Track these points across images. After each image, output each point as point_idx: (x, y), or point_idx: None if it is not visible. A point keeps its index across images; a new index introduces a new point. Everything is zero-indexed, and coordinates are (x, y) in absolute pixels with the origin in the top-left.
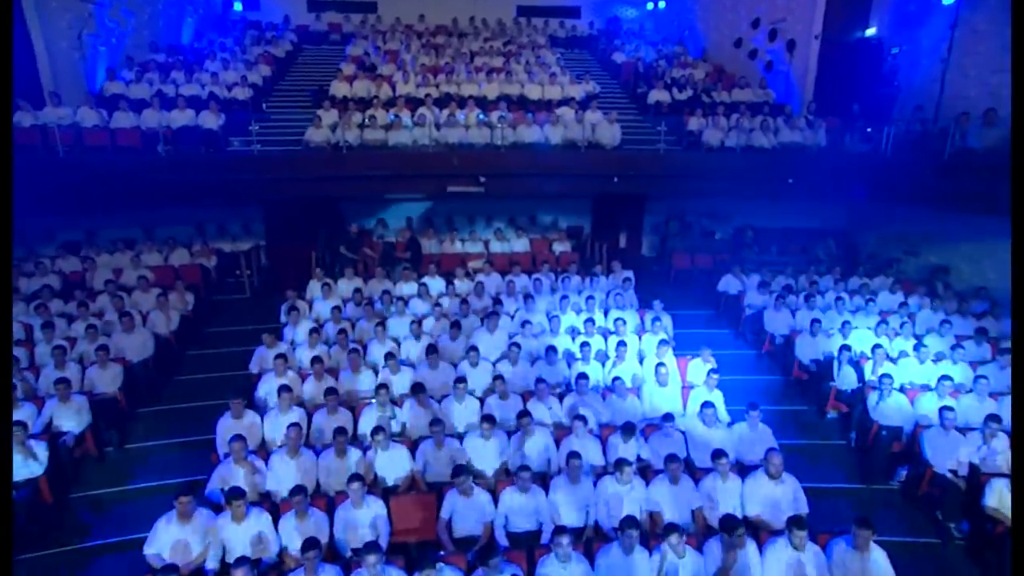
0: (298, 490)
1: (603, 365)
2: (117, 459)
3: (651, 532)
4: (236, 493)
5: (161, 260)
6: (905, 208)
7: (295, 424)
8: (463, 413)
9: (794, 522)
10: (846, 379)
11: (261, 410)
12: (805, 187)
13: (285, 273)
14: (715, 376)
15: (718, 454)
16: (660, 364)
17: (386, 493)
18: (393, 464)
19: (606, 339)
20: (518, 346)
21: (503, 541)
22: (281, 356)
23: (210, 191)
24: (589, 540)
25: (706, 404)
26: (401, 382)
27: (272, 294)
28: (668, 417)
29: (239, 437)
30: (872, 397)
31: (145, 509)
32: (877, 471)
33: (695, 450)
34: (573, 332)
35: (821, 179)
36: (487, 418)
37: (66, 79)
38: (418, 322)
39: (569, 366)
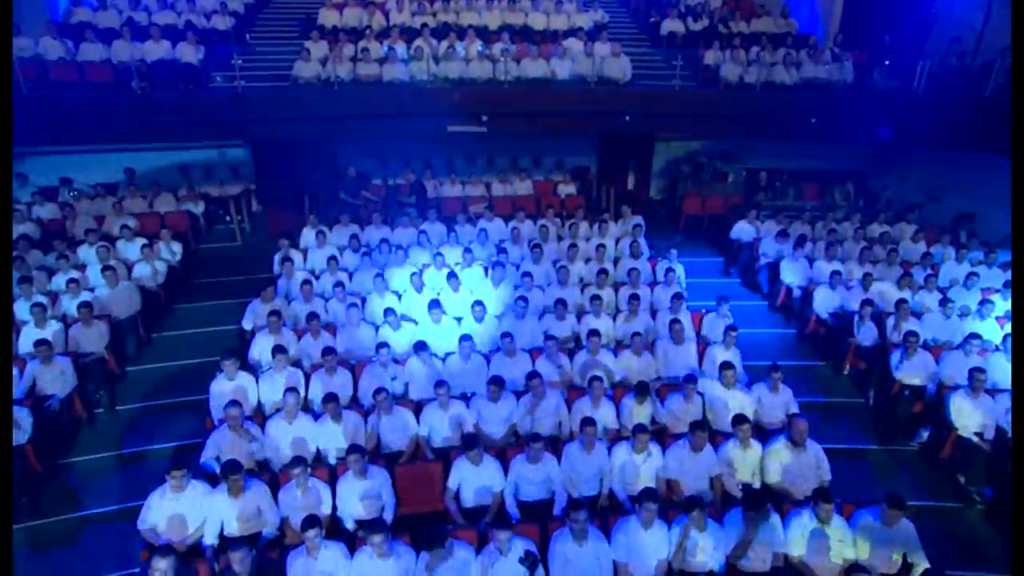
0: (297, 461)
1: (613, 320)
2: (107, 423)
3: (667, 500)
4: (232, 468)
5: (145, 206)
6: (928, 149)
7: (292, 390)
8: (469, 372)
9: (820, 495)
10: (866, 335)
11: (256, 371)
12: (829, 127)
13: (278, 218)
14: (733, 334)
15: (740, 419)
16: (675, 321)
17: (390, 459)
18: (396, 428)
19: (616, 292)
20: (525, 300)
21: (514, 512)
22: (275, 313)
23: (192, 132)
24: (604, 510)
25: (725, 364)
26: (403, 339)
27: (265, 241)
28: (691, 379)
29: (234, 403)
30: (895, 355)
31: (139, 475)
32: (896, 431)
33: (712, 412)
34: (582, 284)
35: (846, 119)
36: (495, 380)
37: (24, 5)
38: (419, 273)
39: (578, 320)
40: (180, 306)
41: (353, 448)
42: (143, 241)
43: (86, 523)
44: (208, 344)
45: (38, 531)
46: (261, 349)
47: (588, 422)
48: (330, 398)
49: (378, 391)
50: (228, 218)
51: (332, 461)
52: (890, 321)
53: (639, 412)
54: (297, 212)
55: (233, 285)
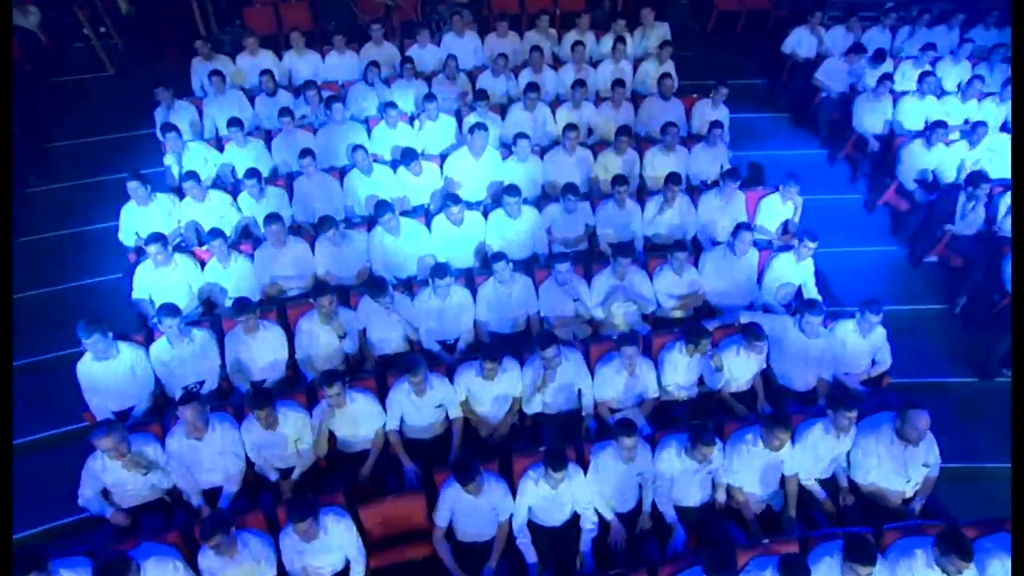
0: (215, 527)
1: (641, 208)
2: None
3: (725, 509)
4: (114, 569)
5: None
6: None
7: (188, 400)
8: (442, 313)
9: (953, 543)
10: (973, 220)
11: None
12: None
13: (159, 25)
14: (811, 246)
15: (846, 403)
16: (744, 227)
17: (350, 461)
18: (355, 422)
19: (640, 154)
20: (517, 191)
21: (529, 556)
22: (157, 237)
23: None
24: (645, 533)
25: (811, 304)
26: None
27: (152, 62)
28: (755, 333)
29: (105, 429)
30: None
31: None
32: (993, 359)
33: (782, 361)
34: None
35: None
36: (490, 355)
37: None
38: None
39: (592, 208)
40: (31, 190)
41: (295, 513)
42: None
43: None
44: (75, 254)
45: None
46: (146, 286)
47: (625, 430)
48: (261, 402)
49: (330, 378)
50: (84, 31)
51: (271, 476)
52: (1006, 199)
53: (689, 367)
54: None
55: (108, 148)
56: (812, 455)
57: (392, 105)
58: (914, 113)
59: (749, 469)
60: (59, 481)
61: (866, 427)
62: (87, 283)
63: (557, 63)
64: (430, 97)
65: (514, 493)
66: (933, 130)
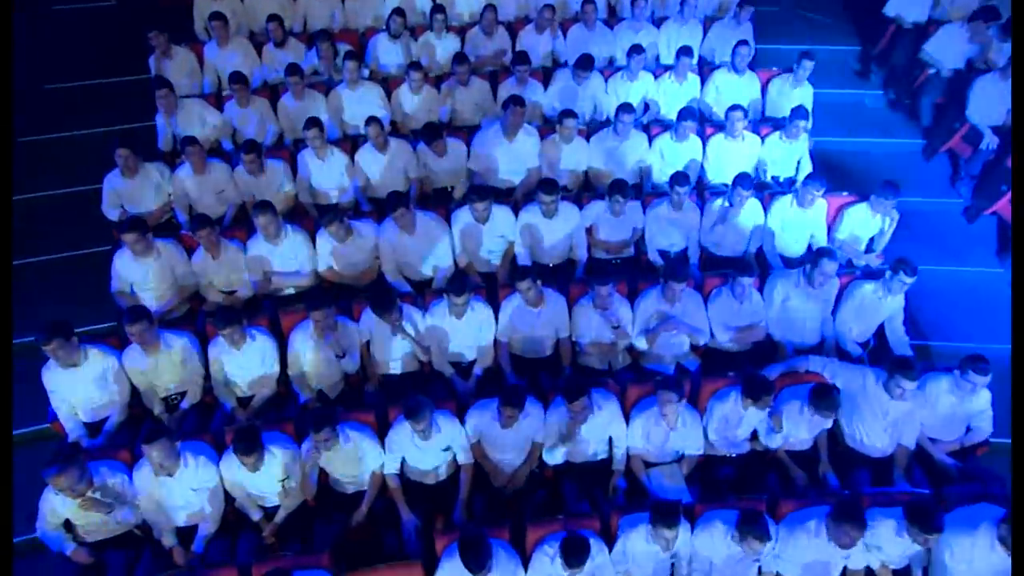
0: None
1: (702, 213)
2: None
3: None
4: None
5: None
6: None
7: (156, 443)
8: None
9: None
10: None
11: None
12: None
13: None
14: (908, 280)
15: (930, 523)
16: (826, 254)
17: (337, 504)
18: (349, 462)
19: (704, 140)
20: (553, 186)
21: None
22: (135, 225)
23: None
24: None
25: (901, 366)
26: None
27: None
28: (828, 403)
29: (61, 469)
30: None
31: None
32: None
33: (855, 420)
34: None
35: None
36: (510, 400)
37: None
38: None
39: (643, 206)
40: (21, 140)
41: None
42: None
43: None
44: (65, 219)
45: None
46: (125, 277)
47: (665, 519)
48: (248, 447)
49: (316, 423)
50: None
51: (255, 516)
52: None
53: (743, 421)
54: None
55: (106, 94)
56: (887, 553)
57: (416, 67)
58: None
59: (806, 562)
60: (19, 492)
61: (959, 523)
62: (75, 255)
63: (612, 18)
64: (461, 58)
65: (526, 564)
66: None
